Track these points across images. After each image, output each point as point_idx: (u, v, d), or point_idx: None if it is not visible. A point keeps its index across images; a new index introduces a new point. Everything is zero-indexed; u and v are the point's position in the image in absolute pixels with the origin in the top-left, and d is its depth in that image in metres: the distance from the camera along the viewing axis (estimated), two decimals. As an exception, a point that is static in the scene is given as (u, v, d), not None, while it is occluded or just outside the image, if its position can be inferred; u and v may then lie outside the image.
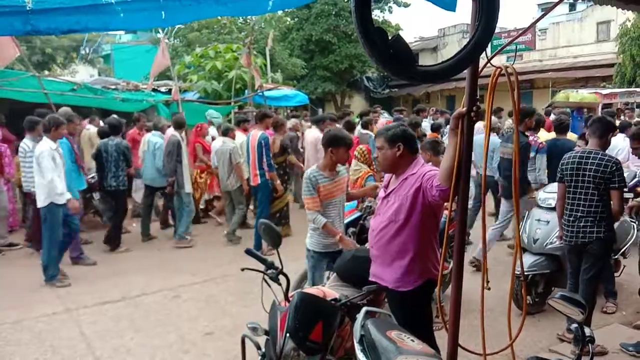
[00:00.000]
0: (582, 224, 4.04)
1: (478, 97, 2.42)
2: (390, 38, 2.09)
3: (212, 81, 14.68)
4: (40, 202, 5.76)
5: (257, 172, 7.06)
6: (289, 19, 28.69)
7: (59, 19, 2.28)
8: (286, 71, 22.81)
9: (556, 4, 2.49)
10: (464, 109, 2.38)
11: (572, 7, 24.98)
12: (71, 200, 5.91)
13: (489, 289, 2.61)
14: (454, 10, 2.08)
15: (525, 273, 4.73)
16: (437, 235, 2.97)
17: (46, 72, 23.01)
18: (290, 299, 2.68)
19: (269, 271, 2.76)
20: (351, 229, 4.96)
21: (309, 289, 2.94)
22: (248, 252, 2.88)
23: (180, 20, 2.76)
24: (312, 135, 8.60)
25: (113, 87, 12.54)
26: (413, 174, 2.87)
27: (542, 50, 25.66)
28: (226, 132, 7.85)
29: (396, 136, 2.92)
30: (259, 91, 12.85)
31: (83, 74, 27.79)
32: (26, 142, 6.60)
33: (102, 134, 7.86)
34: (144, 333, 4.61)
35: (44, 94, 8.68)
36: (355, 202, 5.19)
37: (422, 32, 42.03)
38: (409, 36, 43.14)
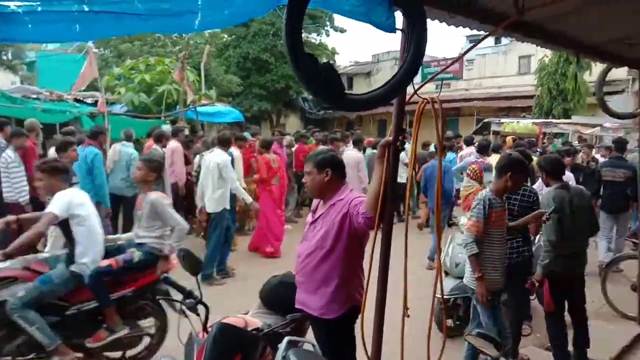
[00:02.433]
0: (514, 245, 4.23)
1: (405, 125, 2.45)
2: (320, 65, 2.07)
3: (140, 94, 14.19)
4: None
5: None
6: (225, 36, 28.50)
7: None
8: (221, 87, 22.56)
9: (484, 38, 2.59)
10: (391, 137, 2.40)
11: (498, 40, 26.61)
12: None
13: (408, 316, 2.62)
14: (394, 32, 2.11)
15: (447, 297, 4.85)
16: (362, 262, 2.96)
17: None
18: (210, 329, 2.55)
19: (187, 301, 2.62)
20: None
21: (229, 319, 2.82)
22: (165, 280, 2.73)
23: (97, 35, 2.59)
24: (353, 155, 8.79)
25: (34, 96, 11.79)
26: (341, 199, 2.85)
27: (469, 80, 27.08)
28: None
29: (325, 161, 2.90)
30: (191, 106, 12.59)
31: (3, 80, 26.01)
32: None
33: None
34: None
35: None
36: None
37: (357, 57, 43.12)
38: (345, 60, 44.25)
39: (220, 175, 6.62)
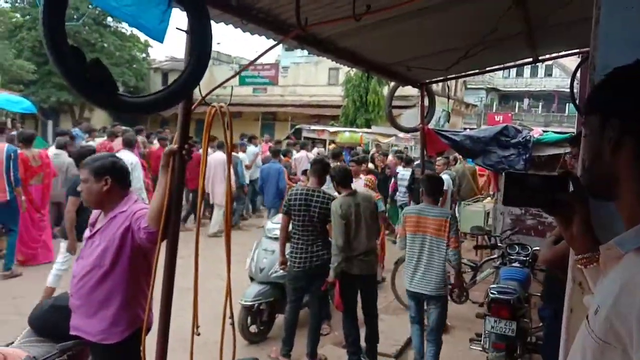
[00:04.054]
0: (314, 249, 4.41)
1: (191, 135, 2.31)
2: (87, 62, 1.81)
3: None
4: None
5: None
6: (18, 15, 24.94)
7: None
8: (10, 73, 19.62)
9: (270, 49, 2.59)
10: (176, 145, 2.23)
11: (310, 51, 28.05)
12: None
13: (198, 334, 2.49)
14: (162, 42, 1.91)
15: (252, 302, 4.85)
16: (149, 279, 2.72)
17: None
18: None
19: None
20: None
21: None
22: None
23: None
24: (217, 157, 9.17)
25: None
26: (123, 211, 2.57)
27: (284, 86, 28.02)
28: None
29: (104, 168, 2.59)
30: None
31: None
32: None
33: None
34: None
35: None
36: None
37: (174, 51, 41.30)
38: (160, 54, 42.15)
39: None
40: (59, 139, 8.41)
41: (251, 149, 11.70)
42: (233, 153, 9.89)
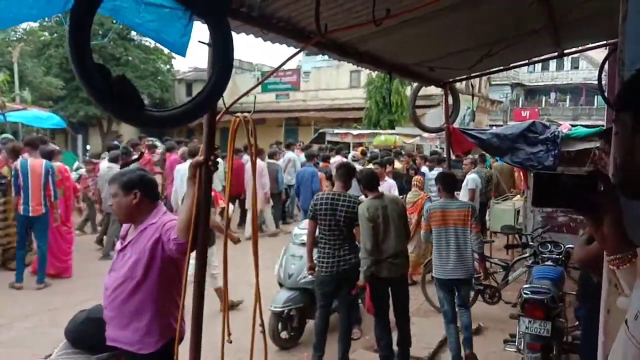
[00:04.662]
0: (341, 254, 4.39)
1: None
2: (113, 79, 1.86)
3: None
4: None
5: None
6: (46, 34, 25.68)
7: None
8: (40, 90, 20.21)
9: (292, 56, 2.60)
10: (202, 157, 2.26)
11: (331, 55, 28.07)
12: None
13: (230, 342, 2.51)
14: (184, 55, 1.95)
15: (282, 308, 4.87)
16: (180, 288, 2.76)
17: None
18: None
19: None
20: None
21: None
22: None
23: None
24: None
25: None
26: (153, 223, 2.61)
27: (306, 91, 28.11)
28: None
29: (132, 182, 2.63)
30: (-1, 110, 11.10)
31: None
32: None
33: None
34: None
35: None
36: None
37: (197, 62, 42.07)
38: (184, 66, 42.85)
39: None
40: (112, 152, 8.67)
41: (288, 154, 12.04)
42: (273, 160, 10.53)
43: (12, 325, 5.43)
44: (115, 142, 11.53)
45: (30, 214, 6.60)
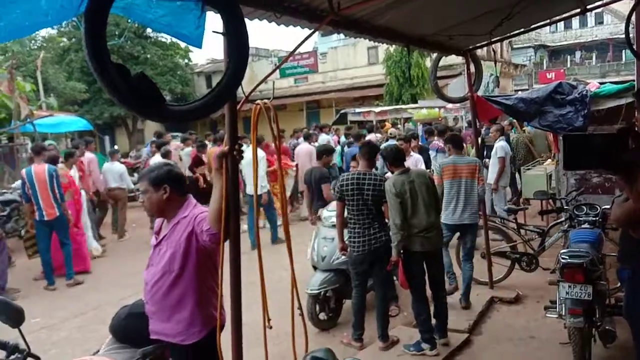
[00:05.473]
0: (371, 232, 4.41)
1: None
2: (132, 77, 1.87)
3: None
4: None
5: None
6: (65, 39, 26.09)
7: None
8: (64, 95, 20.61)
9: (308, 36, 2.57)
10: (227, 147, 2.27)
11: (346, 33, 27.74)
12: None
13: (270, 327, 2.54)
14: (200, 47, 1.95)
15: (318, 290, 4.91)
16: (217, 278, 2.80)
17: None
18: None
19: (13, 357, 2.25)
20: None
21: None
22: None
23: None
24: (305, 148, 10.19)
25: None
26: (185, 217, 2.65)
27: (324, 72, 27.90)
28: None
29: (161, 178, 2.67)
30: (28, 120, 11.33)
31: None
32: None
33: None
34: None
35: None
36: None
37: (214, 54, 42.24)
38: (202, 58, 43.09)
39: None
40: (164, 148, 9.02)
41: (323, 136, 12.40)
42: (309, 144, 10.70)
43: (63, 325, 5.64)
44: (164, 140, 11.48)
45: (46, 218, 6.84)
